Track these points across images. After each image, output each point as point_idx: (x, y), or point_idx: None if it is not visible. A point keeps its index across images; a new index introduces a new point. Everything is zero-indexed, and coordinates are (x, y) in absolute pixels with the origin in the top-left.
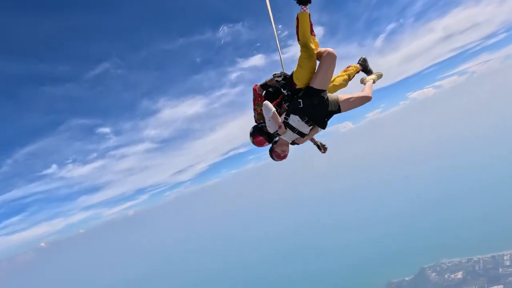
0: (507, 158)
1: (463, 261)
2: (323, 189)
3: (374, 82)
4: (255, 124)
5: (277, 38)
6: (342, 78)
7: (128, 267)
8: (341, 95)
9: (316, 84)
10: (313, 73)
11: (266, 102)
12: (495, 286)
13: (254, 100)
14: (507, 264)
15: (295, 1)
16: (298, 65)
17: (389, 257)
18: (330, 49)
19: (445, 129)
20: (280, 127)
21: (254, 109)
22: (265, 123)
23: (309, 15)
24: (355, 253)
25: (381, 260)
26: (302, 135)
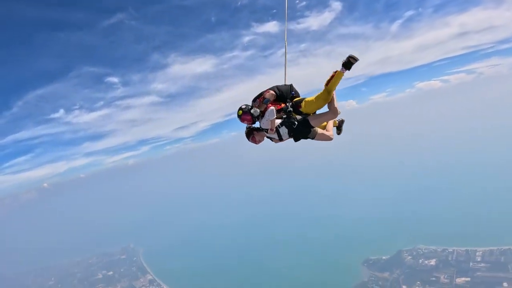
0: (499, 161)
1: (439, 250)
2: (316, 161)
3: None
4: (248, 105)
5: (286, 56)
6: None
7: (124, 212)
8: (319, 130)
9: (313, 123)
10: (317, 109)
11: (273, 108)
12: (463, 278)
13: (262, 98)
14: (478, 260)
15: (341, 64)
16: (314, 99)
17: (370, 236)
18: (338, 110)
19: (445, 123)
20: (271, 129)
21: (258, 103)
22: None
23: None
24: (338, 227)
25: (362, 237)
26: (280, 139)
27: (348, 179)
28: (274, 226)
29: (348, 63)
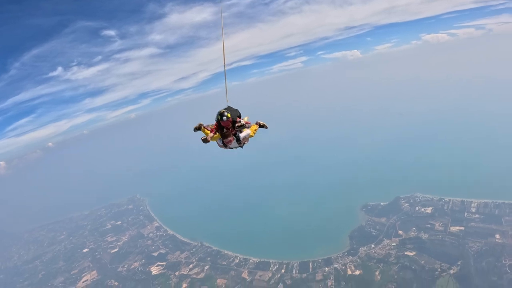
0: (503, 114)
1: (435, 198)
2: (319, 107)
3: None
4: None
5: (226, 81)
6: (253, 134)
7: (129, 164)
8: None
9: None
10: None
11: (248, 132)
12: (457, 227)
13: (228, 127)
14: (473, 211)
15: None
16: (251, 133)
17: (370, 182)
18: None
19: (450, 76)
20: (231, 141)
21: (228, 130)
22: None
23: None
24: (337, 174)
25: (362, 183)
26: (233, 145)
27: (348, 126)
28: (275, 173)
29: (262, 126)
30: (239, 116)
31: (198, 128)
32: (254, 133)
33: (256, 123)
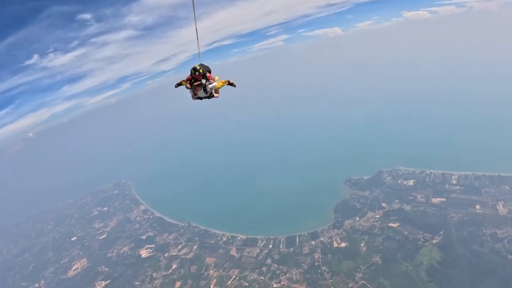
0: (484, 91)
1: (417, 171)
2: (300, 85)
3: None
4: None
5: (198, 40)
6: (220, 86)
7: (111, 150)
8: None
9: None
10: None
11: (214, 84)
12: (439, 198)
13: (199, 79)
14: (454, 182)
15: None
16: (217, 87)
17: (352, 157)
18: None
19: (430, 54)
20: (198, 89)
21: (200, 79)
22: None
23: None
24: (321, 149)
25: (345, 158)
26: (200, 94)
27: (330, 103)
28: (259, 151)
29: (231, 84)
30: (209, 71)
31: (179, 84)
32: (222, 85)
33: (226, 80)
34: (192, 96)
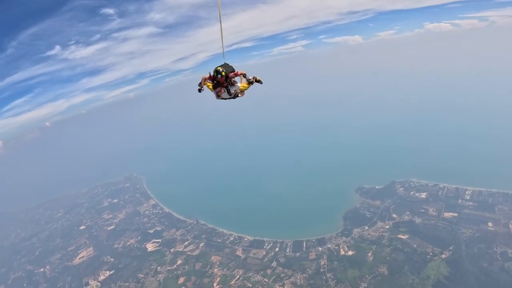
0: (503, 106)
1: (430, 184)
2: (318, 91)
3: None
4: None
5: (222, 38)
6: (244, 88)
7: (126, 143)
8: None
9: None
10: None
11: (238, 85)
12: (451, 213)
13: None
14: (467, 198)
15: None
16: (241, 89)
17: (366, 165)
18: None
19: (450, 65)
20: (221, 91)
21: (231, 76)
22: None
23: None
24: (335, 155)
25: (358, 166)
26: (224, 95)
27: (346, 109)
28: (272, 154)
29: (258, 81)
30: (233, 71)
31: (201, 86)
32: (247, 87)
33: (252, 77)
34: (216, 97)
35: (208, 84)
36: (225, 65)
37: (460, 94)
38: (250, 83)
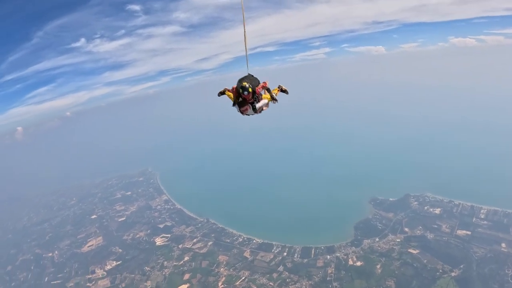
0: None
1: (445, 200)
2: (336, 100)
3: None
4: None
5: (246, 48)
6: (269, 100)
7: (143, 138)
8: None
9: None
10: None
11: (265, 101)
12: (464, 231)
13: (257, 90)
14: (482, 217)
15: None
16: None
17: (381, 177)
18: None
19: (473, 82)
20: (247, 110)
21: (258, 91)
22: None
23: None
24: (350, 164)
25: (373, 177)
26: (249, 112)
27: (364, 120)
28: (287, 160)
29: (283, 91)
30: (258, 84)
31: (222, 93)
32: (271, 100)
33: (278, 87)
34: (239, 112)
35: (229, 94)
36: (250, 77)
37: (482, 113)
38: (274, 98)
